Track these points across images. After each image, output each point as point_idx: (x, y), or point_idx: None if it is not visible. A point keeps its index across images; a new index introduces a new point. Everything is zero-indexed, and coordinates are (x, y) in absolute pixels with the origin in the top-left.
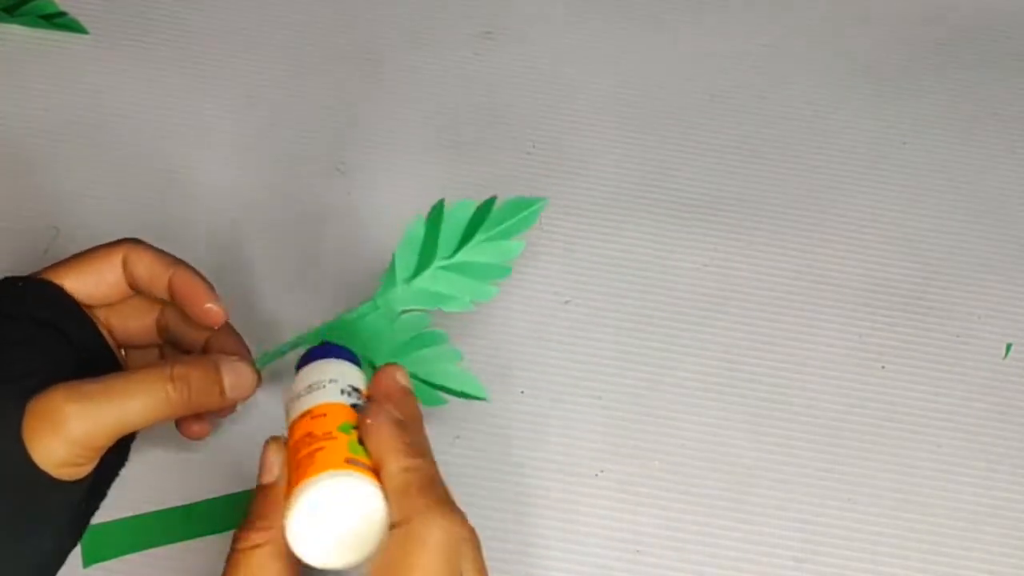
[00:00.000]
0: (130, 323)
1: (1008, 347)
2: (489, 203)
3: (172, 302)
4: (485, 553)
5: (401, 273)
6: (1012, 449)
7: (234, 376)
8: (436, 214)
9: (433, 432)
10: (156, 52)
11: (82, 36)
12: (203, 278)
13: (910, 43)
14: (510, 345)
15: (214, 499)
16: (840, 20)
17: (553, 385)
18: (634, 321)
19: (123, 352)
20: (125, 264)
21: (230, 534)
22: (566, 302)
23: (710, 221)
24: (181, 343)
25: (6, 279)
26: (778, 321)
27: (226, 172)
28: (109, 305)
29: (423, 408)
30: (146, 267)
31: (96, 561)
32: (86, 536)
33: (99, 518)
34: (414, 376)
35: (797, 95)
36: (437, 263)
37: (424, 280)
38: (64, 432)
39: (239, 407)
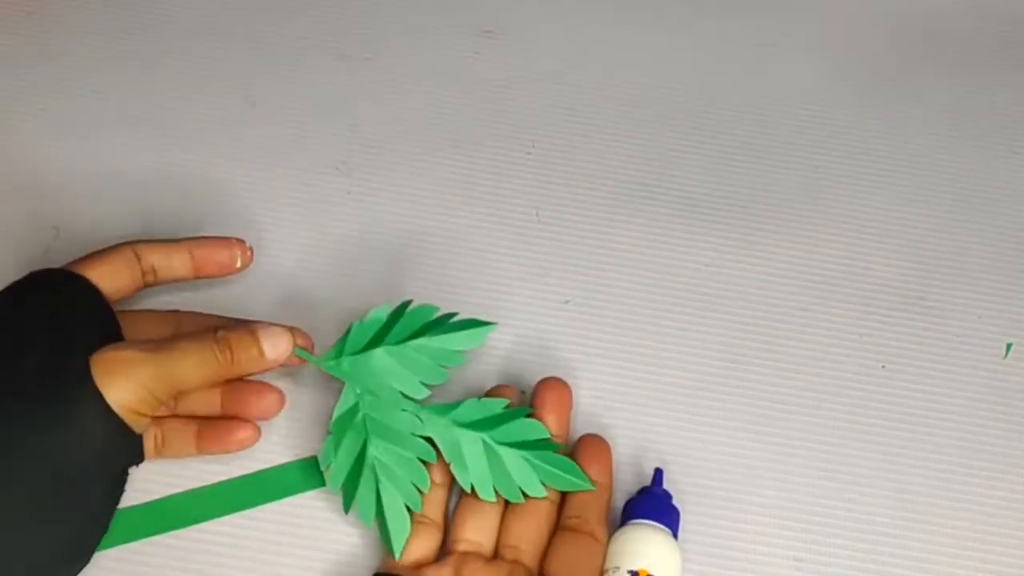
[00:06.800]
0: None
1: (1008, 347)
2: (449, 315)
3: (195, 276)
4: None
5: (350, 347)
6: (1012, 449)
7: (271, 338)
8: (400, 309)
9: None
10: (155, 52)
11: (83, 37)
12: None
13: (911, 43)
14: (510, 345)
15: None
16: (841, 20)
17: None
18: (634, 321)
19: None
20: (138, 259)
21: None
22: (566, 302)
23: (711, 221)
24: None
25: (52, 271)
26: (778, 321)
27: (225, 172)
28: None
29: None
30: (159, 254)
31: None
32: None
33: None
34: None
35: (797, 95)
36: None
37: (369, 357)
38: (135, 375)
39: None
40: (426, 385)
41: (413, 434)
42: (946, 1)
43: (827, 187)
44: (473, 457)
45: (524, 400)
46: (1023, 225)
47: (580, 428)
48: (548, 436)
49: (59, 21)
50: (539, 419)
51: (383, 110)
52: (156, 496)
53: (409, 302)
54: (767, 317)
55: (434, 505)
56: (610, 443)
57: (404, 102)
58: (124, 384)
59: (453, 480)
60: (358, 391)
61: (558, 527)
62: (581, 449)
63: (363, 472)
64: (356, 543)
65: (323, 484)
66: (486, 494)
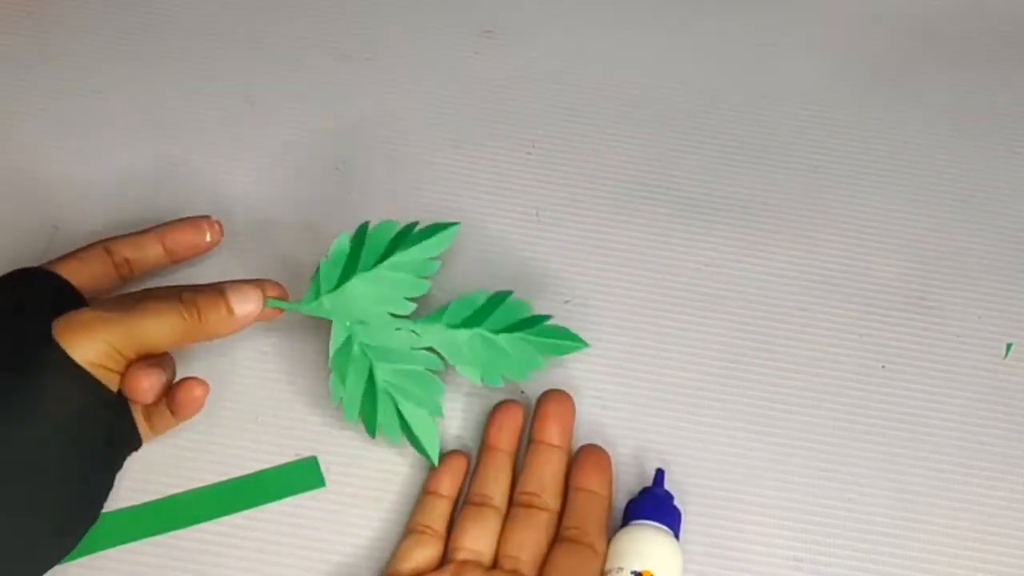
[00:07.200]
0: None
1: (1008, 347)
2: (411, 226)
3: (170, 261)
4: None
5: (324, 285)
6: (1012, 449)
7: (238, 294)
8: (360, 233)
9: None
10: (155, 52)
11: (83, 37)
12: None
13: (911, 43)
14: None
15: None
16: (841, 20)
17: (553, 385)
18: (634, 321)
19: None
20: (110, 253)
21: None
22: (566, 302)
23: (711, 221)
24: None
25: (25, 269)
26: (778, 321)
27: (225, 172)
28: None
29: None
30: (130, 246)
31: (74, 557)
32: None
33: None
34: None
35: (797, 95)
36: (358, 273)
37: (347, 289)
38: (100, 334)
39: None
40: (410, 299)
41: (413, 348)
42: (946, 1)
43: (827, 187)
44: (475, 352)
45: (527, 401)
46: (1023, 225)
47: (581, 428)
48: (532, 312)
49: (59, 21)
50: (543, 430)
51: (383, 110)
52: (156, 496)
53: (367, 223)
54: (767, 317)
55: (437, 516)
56: (610, 443)
57: (404, 102)
58: (89, 344)
59: (459, 493)
60: (347, 324)
61: (557, 537)
62: (581, 460)
63: (378, 397)
64: (357, 543)
65: (323, 484)
66: (494, 381)
